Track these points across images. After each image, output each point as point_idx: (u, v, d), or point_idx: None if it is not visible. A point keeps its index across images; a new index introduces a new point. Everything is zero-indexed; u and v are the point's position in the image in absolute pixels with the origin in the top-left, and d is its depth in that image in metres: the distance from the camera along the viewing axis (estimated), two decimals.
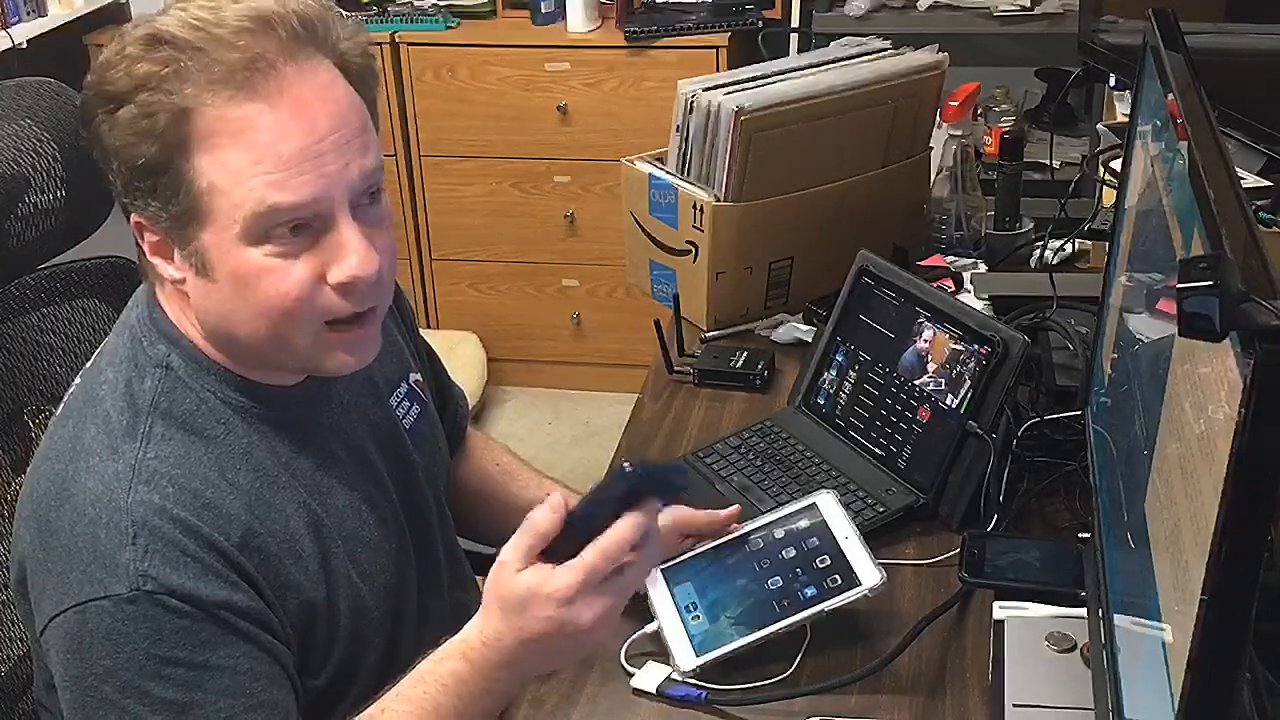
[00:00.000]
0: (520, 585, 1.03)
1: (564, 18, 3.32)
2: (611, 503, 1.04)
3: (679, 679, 1.24)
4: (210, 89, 0.99)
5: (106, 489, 1.04)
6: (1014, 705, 1.15)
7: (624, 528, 1.02)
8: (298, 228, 1.03)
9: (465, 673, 1.07)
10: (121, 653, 1.01)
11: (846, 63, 1.92)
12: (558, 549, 1.04)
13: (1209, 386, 0.76)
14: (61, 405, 1.16)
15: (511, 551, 1.05)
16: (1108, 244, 1.44)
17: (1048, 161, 2.36)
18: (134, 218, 1.07)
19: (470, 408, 1.62)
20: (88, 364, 1.17)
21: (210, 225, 1.03)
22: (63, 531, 1.04)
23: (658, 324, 1.82)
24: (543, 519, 1.04)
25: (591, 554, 1.02)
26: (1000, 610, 1.26)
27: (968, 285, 1.86)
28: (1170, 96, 1.03)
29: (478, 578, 1.44)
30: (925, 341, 1.52)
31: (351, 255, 1.05)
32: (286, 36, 1.02)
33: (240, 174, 1.01)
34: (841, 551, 1.28)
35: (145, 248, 1.09)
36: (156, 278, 1.11)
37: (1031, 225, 2.04)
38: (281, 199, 1.01)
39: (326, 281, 1.05)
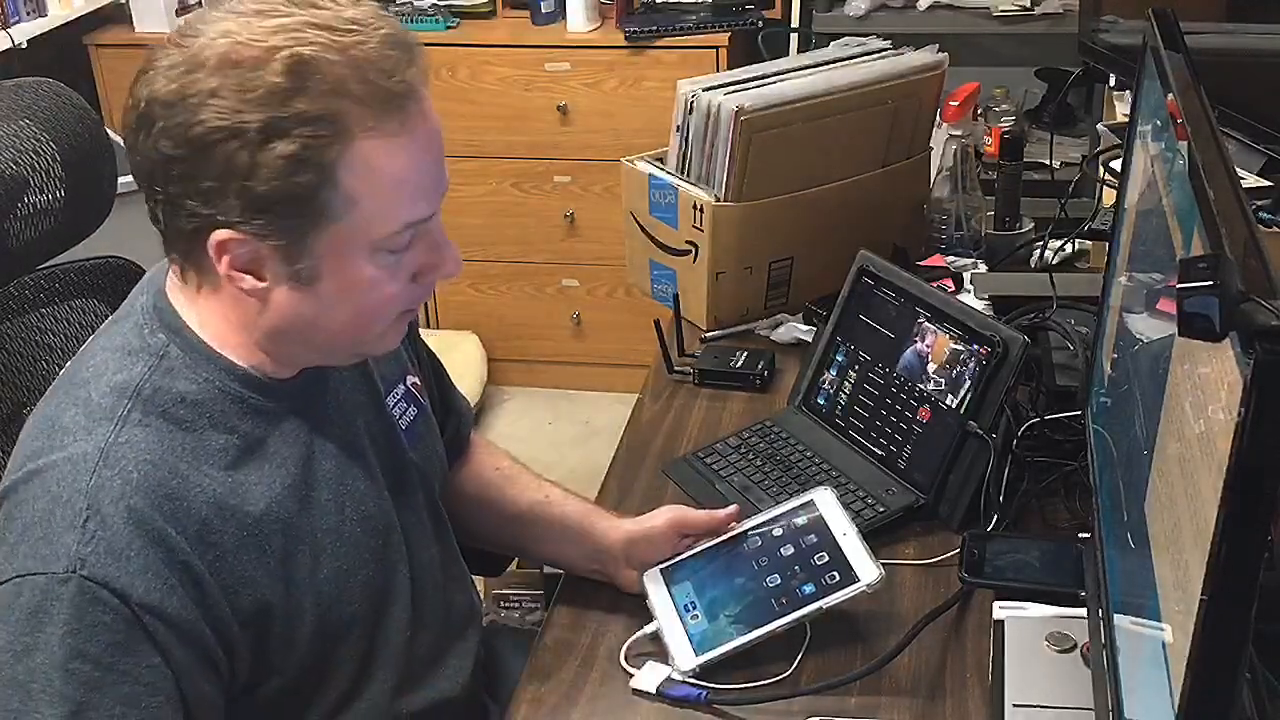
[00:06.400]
0: None
1: (564, 18, 3.33)
2: None
3: (678, 679, 1.24)
4: (370, 119, 1.03)
5: (72, 468, 1.04)
6: (1014, 705, 1.15)
7: None
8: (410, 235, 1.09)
9: None
10: (41, 633, 1.01)
11: (846, 63, 1.92)
12: None
13: (1209, 386, 0.76)
14: (52, 385, 1.16)
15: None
16: (1108, 244, 1.44)
17: (1048, 161, 2.35)
18: (219, 235, 1.04)
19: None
20: (83, 345, 1.17)
21: (336, 242, 1.05)
22: (26, 505, 1.05)
23: (658, 324, 1.82)
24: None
25: None
26: (1000, 610, 1.26)
27: (968, 285, 1.86)
28: (1170, 96, 1.03)
29: (476, 579, 1.44)
30: (925, 342, 1.51)
31: (450, 258, 1.13)
32: (423, 65, 1.09)
33: (386, 197, 1.05)
34: (839, 548, 1.28)
35: (220, 261, 1.06)
36: (203, 283, 1.10)
37: (1031, 225, 2.04)
38: (415, 215, 1.08)
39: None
